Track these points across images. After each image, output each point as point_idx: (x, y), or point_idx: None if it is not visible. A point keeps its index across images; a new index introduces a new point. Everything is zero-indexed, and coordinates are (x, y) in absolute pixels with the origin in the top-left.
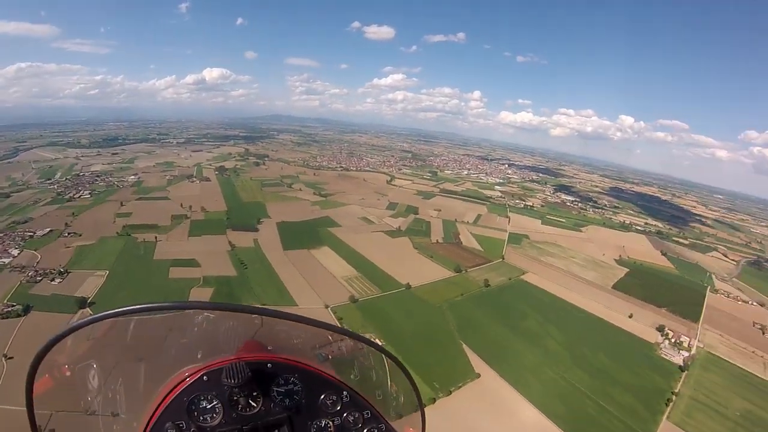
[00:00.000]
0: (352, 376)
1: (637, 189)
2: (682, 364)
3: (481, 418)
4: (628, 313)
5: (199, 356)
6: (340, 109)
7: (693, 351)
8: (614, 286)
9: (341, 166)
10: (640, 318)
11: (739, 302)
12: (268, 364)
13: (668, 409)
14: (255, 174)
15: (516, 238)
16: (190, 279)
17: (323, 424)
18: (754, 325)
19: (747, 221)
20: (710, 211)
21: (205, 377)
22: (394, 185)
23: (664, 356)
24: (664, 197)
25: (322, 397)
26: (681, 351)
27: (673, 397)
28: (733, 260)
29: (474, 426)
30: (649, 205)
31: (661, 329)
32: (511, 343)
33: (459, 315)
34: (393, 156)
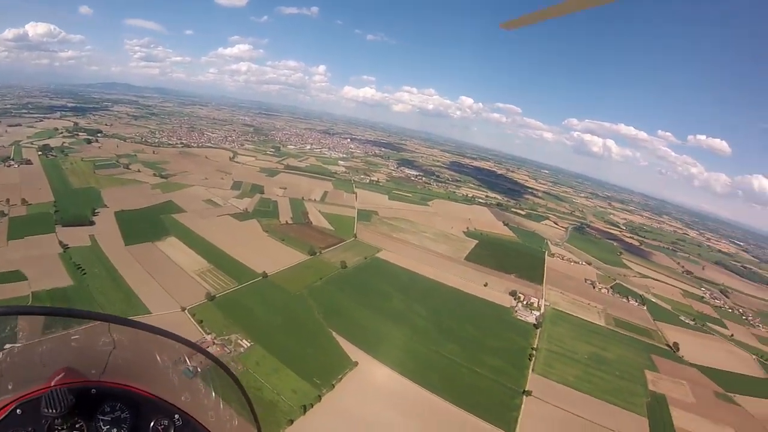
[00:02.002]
0: (183, 398)
1: (475, 164)
2: (535, 322)
3: (370, 407)
4: (483, 282)
5: (10, 387)
6: (181, 79)
7: (542, 310)
8: (467, 258)
9: (182, 142)
10: (494, 286)
11: (572, 263)
12: (93, 390)
13: (532, 363)
14: (87, 153)
15: (365, 215)
16: (14, 298)
17: None
18: (585, 282)
19: (569, 193)
20: (540, 184)
21: (18, 410)
22: (237, 162)
23: (520, 318)
24: (499, 171)
25: (153, 423)
26: (533, 311)
27: (534, 353)
28: (562, 227)
29: (365, 415)
30: (488, 179)
31: (513, 294)
32: (379, 325)
33: (322, 301)
34: (235, 130)
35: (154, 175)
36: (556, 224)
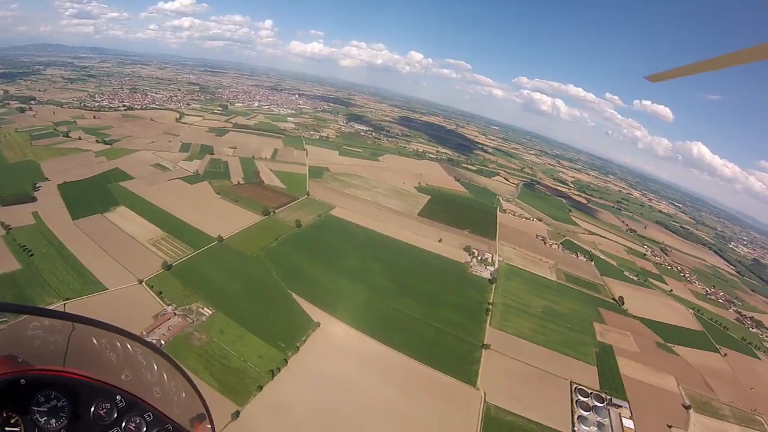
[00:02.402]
0: (123, 377)
1: (425, 119)
2: (490, 277)
3: (336, 366)
4: (437, 237)
5: None
6: (119, 37)
7: (496, 265)
8: (420, 213)
9: (124, 105)
10: (449, 241)
11: (523, 219)
12: (21, 380)
13: (488, 317)
14: (21, 123)
15: (317, 172)
16: None
17: None
18: (537, 237)
19: (519, 149)
20: (489, 140)
21: None
22: (184, 123)
23: (475, 273)
24: (449, 127)
25: (93, 408)
26: (487, 266)
27: (490, 307)
28: (513, 183)
29: (331, 375)
30: (438, 134)
31: (468, 249)
32: (338, 285)
33: (279, 263)
34: (180, 90)
35: (97, 141)
36: (507, 180)
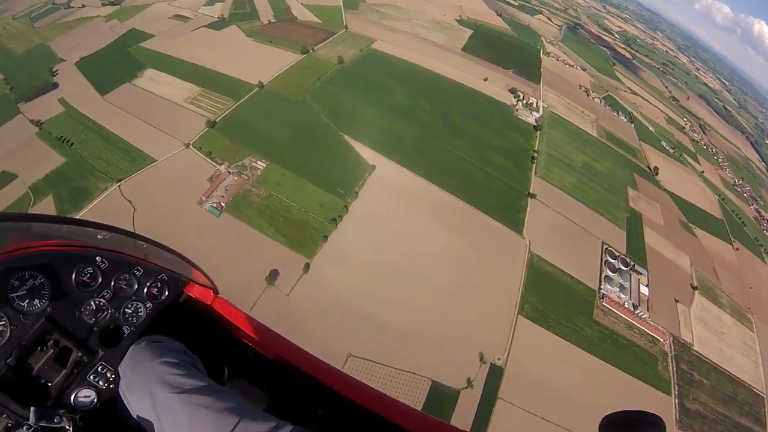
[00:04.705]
0: (100, 236)
1: None
2: (535, 123)
3: (394, 210)
4: (482, 75)
5: None
6: None
7: (541, 112)
8: (463, 49)
9: None
10: (494, 81)
11: (566, 66)
12: None
13: (534, 166)
14: (15, 8)
15: (351, 3)
16: (15, 202)
17: (94, 307)
18: (580, 88)
19: None
20: None
21: None
22: None
23: (520, 117)
24: None
25: (74, 276)
26: (532, 112)
27: (535, 155)
28: (556, 24)
29: (391, 219)
30: None
31: (513, 91)
32: (388, 123)
33: (327, 104)
34: None
35: (103, 4)
36: (550, 20)
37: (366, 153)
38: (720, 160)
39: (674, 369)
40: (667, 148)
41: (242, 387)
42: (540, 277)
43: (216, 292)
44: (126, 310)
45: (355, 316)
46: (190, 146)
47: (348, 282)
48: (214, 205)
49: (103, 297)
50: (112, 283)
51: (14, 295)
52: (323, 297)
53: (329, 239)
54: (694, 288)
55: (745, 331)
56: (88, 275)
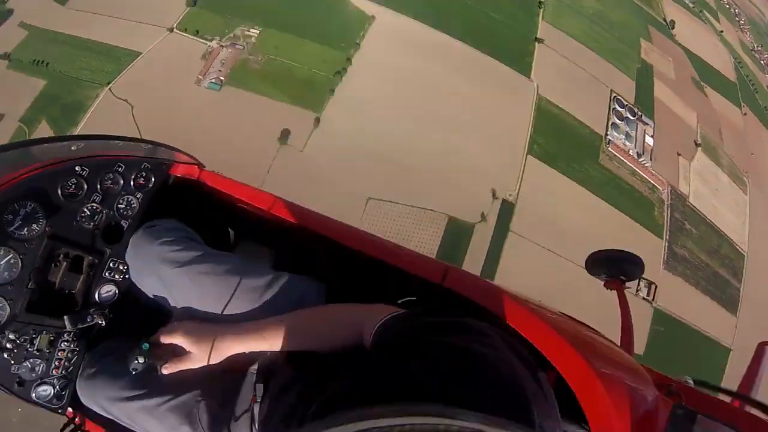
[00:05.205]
0: (74, 147)
1: None
2: None
3: (399, 57)
4: None
5: None
6: None
7: None
8: None
9: None
10: None
11: None
12: None
13: (541, 11)
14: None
15: None
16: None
17: (88, 212)
18: None
19: None
20: None
21: None
22: None
23: None
24: None
25: (60, 192)
26: None
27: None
28: None
29: (397, 66)
30: None
31: None
32: None
33: None
34: None
35: None
36: None
37: (363, 4)
38: (742, 22)
39: (668, 216)
40: (687, 1)
41: (249, 248)
42: (548, 119)
43: (201, 166)
44: (119, 206)
45: (370, 161)
46: (174, 30)
47: (359, 128)
48: (213, 80)
49: (94, 201)
50: (98, 186)
51: (12, 228)
52: (337, 146)
53: (335, 91)
54: (698, 145)
55: (738, 193)
56: (73, 186)
